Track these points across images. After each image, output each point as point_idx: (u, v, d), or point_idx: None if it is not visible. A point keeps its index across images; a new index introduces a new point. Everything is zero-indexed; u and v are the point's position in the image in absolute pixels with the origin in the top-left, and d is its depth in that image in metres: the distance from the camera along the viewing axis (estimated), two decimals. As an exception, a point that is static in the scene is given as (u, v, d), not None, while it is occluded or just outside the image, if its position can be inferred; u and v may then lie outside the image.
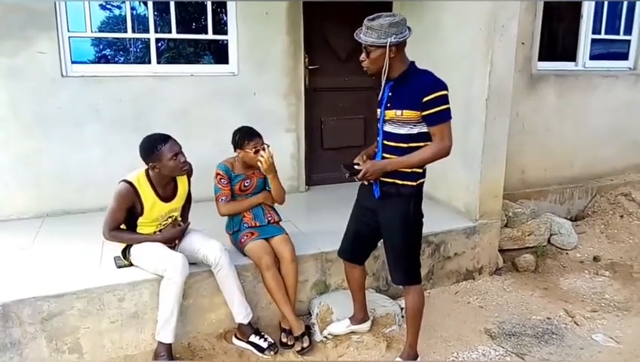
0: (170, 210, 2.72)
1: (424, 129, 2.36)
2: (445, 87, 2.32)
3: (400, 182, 2.42)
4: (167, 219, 2.73)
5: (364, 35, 2.30)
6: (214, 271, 2.73)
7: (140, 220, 2.64)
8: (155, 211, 2.64)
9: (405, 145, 2.38)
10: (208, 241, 2.76)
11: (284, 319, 2.89)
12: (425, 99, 2.28)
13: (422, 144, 2.38)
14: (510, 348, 2.90)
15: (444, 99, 2.30)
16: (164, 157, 2.53)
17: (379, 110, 2.46)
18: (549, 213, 4.48)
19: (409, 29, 2.32)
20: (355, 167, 2.40)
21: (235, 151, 2.93)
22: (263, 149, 2.86)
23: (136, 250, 2.70)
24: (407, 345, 2.65)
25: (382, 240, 2.62)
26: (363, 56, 2.36)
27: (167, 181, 2.67)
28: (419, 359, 2.66)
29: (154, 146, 2.54)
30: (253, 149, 2.85)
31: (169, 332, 2.56)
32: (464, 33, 3.64)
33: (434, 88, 2.29)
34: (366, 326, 2.97)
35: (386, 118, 2.40)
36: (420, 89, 2.29)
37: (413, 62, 2.39)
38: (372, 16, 2.29)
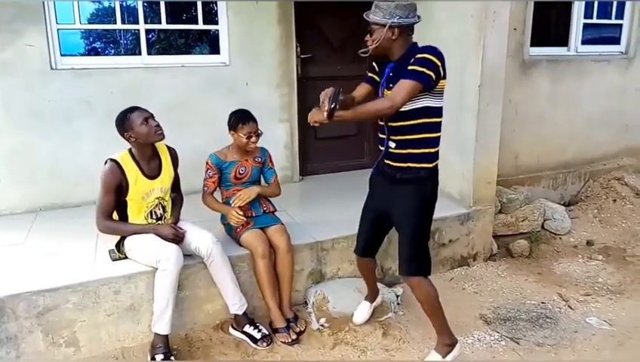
0: (155, 188, 2.72)
1: (427, 102, 2.25)
2: (433, 53, 2.20)
3: (417, 165, 2.34)
4: (153, 200, 2.73)
5: (372, 14, 2.26)
6: (207, 262, 2.73)
7: (129, 199, 2.65)
8: (139, 187, 2.65)
9: (407, 123, 2.28)
10: (200, 233, 2.76)
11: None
12: (411, 61, 2.20)
13: (427, 120, 2.28)
14: (505, 333, 2.92)
15: (424, 62, 2.17)
16: (135, 123, 2.59)
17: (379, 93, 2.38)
18: (543, 199, 4.50)
19: (419, 16, 2.27)
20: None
21: (229, 132, 2.93)
22: (257, 136, 2.88)
23: (129, 243, 2.70)
24: (437, 338, 2.59)
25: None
26: (367, 36, 2.32)
27: (149, 156, 2.70)
28: (457, 346, 2.58)
29: (123, 117, 2.61)
30: (246, 135, 2.85)
31: (165, 324, 2.57)
32: (456, 21, 3.62)
33: (421, 51, 2.23)
34: (380, 298, 3.06)
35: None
36: (414, 57, 2.21)
37: (415, 43, 2.33)
38: None
